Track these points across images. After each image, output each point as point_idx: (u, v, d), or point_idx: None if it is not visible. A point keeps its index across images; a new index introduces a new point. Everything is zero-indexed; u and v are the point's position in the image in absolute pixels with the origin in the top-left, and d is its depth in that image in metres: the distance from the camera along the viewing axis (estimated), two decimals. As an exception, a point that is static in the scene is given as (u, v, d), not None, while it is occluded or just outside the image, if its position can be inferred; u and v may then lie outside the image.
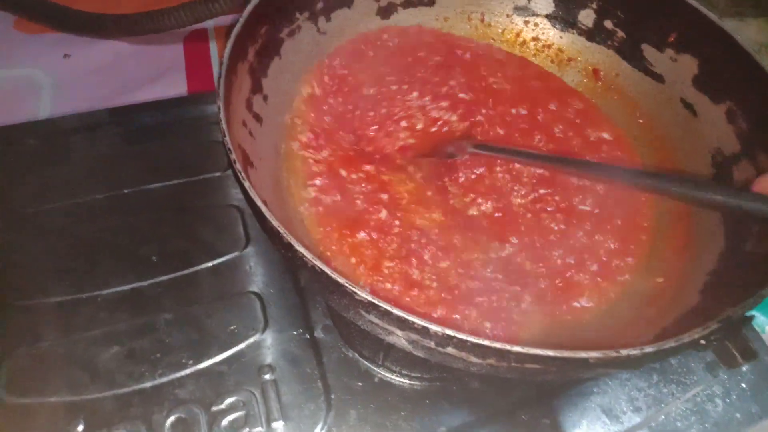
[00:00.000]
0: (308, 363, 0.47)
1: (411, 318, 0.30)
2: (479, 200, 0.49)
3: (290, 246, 0.32)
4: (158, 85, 0.72)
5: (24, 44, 0.75)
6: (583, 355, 0.30)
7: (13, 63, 0.73)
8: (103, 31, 0.72)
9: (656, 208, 0.51)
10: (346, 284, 0.31)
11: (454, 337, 0.30)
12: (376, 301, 0.31)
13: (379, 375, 0.48)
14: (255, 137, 0.46)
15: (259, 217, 0.34)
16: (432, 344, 0.32)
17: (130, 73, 0.73)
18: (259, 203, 0.34)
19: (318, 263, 0.32)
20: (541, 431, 0.45)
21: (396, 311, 0.30)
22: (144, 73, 0.74)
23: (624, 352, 0.30)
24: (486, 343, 0.30)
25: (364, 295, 0.31)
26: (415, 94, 0.54)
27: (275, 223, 0.33)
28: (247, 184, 0.35)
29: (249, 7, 0.45)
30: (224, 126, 0.37)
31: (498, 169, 0.50)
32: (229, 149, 0.36)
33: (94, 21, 0.72)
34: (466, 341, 0.30)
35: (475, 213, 0.48)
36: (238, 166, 0.35)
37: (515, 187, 0.50)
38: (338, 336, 0.49)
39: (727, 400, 0.49)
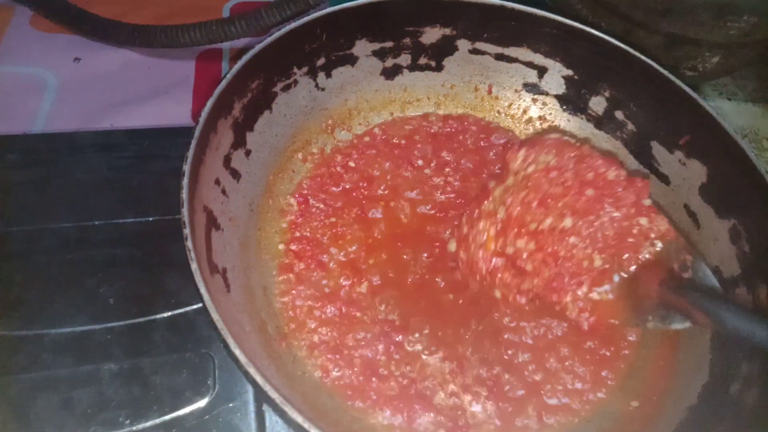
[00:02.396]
0: (252, 438, 0.45)
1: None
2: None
3: (228, 345, 0.30)
4: (164, 101, 0.71)
5: (37, 42, 0.75)
6: None
7: (23, 60, 0.73)
8: (118, 39, 0.71)
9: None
10: (278, 400, 0.29)
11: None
12: (306, 425, 0.28)
13: (326, 460, 0.45)
14: (228, 195, 0.44)
15: (203, 300, 0.32)
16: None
17: (137, 84, 0.72)
18: (203, 290, 0.31)
19: (252, 370, 0.29)
20: None
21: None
22: (151, 86, 0.73)
23: None
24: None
25: (295, 415, 0.28)
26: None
27: (215, 316, 0.31)
28: (194, 266, 0.32)
29: (241, 62, 0.43)
30: (185, 195, 0.35)
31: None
32: (184, 222, 0.34)
33: (110, 27, 0.71)
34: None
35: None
36: (189, 244, 0.33)
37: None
38: (288, 413, 0.46)
39: None
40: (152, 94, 0.72)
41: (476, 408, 0.41)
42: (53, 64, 0.72)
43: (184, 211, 0.34)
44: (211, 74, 0.76)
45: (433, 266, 0.48)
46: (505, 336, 0.44)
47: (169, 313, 0.49)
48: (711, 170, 0.49)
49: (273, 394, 0.28)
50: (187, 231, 0.34)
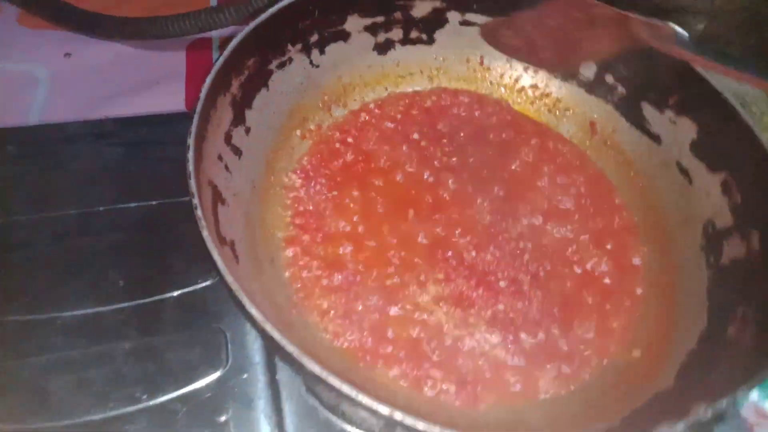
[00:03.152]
0: (266, 408, 0.45)
1: (359, 397, 0.29)
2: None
3: (241, 304, 0.31)
4: (156, 92, 0.71)
5: (26, 39, 0.74)
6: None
7: (13, 57, 0.73)
8: (106, 33, 0.71)
9: (648, 275, 0.49)
10: (294, 353, 0.29)
11: (402, 422, 0.28)
12: (323, 375, 0.29)
13: (339, 425, 0.46)
14: (231, 172, 0.45)
15: (217, 271, 0.33)
16: (382, 423, 0.30)
17: (129, 77, 0.72)
18: (216, 256, 0.32)
19: (268, 327, 0.30)
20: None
21: (345, 388, 0.29)
22: (143, 78, 0.73)
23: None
24: (436, 429, 0.28)
25: (312, 366, 0.29)
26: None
27: (229, 278, 0.32)
28: (205, 233, 0.33)
29: (236, 39, 0.44)
30: (191, 167, 0.36)
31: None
32: (192, 193, 0.35)
33: (98, 21, 0.71)
34: (415, 427, 0.28)
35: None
36: (199, 213, 0.34)
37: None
38: (300, 382, 0.47)
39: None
40: (144, 85, 0.72)
41: (486, 363, 0.42)
42: (43, 61, 0.72)
43: (191, 182, 0.35)
44: (202, 63, 0.77)
45: (436, 233, 0.49)
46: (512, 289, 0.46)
47: (178, 292, 0.50)
48: (700, 126, 0.51)
49: (290, 348, 0.29)
50: (195, 201, 0.34)
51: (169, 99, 0.70)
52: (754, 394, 0.54)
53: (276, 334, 0.30)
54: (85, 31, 0.73)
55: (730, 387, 0.34)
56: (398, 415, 0.28)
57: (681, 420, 0.32)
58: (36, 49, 0.73)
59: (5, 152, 0.56)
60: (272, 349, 0.31)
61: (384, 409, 0.28)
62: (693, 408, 0.33)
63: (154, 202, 0.55)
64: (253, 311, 0.30)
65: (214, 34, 0.79)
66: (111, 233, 0.53)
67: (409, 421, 0.28)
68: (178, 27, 0.66)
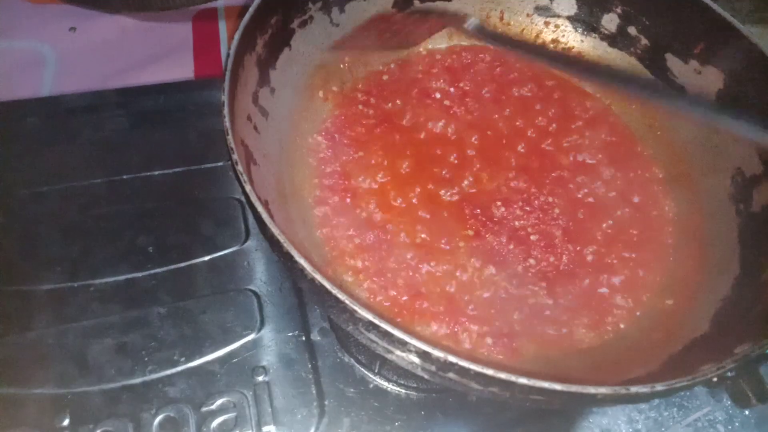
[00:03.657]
0: (303, 366, 0.46)
1: (413, 341, 0.29)
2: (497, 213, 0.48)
3: (289, 256, 0.31)
4: (165, 64, 0.71)
5: (29, 15, 0.73)
6: (591, 390, 0.28)
7: (17, 34, 0.72)
8: (111, 6, 0.70)
9: (676, 225, 0.49)
10: (347, 301, 0.30)
11: (457, 364, 0.28)
12: (376, 321, 0.29)
13: (375, 382, 0.46)
14: (260, 132, 0.44)
15: (259, 221, 0.33)
16: (433, 368, 0.30)
17: (136, 50, 0.72)
18: (260, 208, 0.32)
19: (318, 277, 0.30)
20: (538, 451, 0.44)
21: (398, 333, 0.29)
22: (151, 51, 0.72)
23: (633, 389, 0.29)
24: (490, 372, 0.28)
25: (365, 313, 0.29)
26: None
27: (275, 230, 0.32)
28: (248, 187, 0.33)
29: (259, -3, 0.43)
30: (227, 123, 0.35)
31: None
32: (231, 148, 0.34)
33: (102, -6, 0.70)
34: (469, 369, 0.28)
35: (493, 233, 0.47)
36: (240, 167, 0.34)
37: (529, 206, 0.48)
38: (335, 340, 0.47)
39: (730, 426, 0.48)
40: (153, 58, 0.72)
41: (521, 315, 0.43)
42: (49, 36, 0.71)
43: (229, 138, 0.35)
44: (209, 34, 0.76)
45: (463, 189, 0.49)
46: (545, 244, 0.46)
47: (209, 257, 0.50)
48: (727, 75, 0.50)
49: (341, 296, 0.29)
50: (235, 156, 0.34)
51: (178, 70, 0.70)
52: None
53: (326, 283, 0.30)
54: (90, 4, 0.72)
55: (769, 327, 0.34)
56: (452, 359, 0.28)
57: (726, 359, 0.32)
58: (41, 25, 0.73)
59: (26, 124, 0.56)
60: (320, 301, 0.32)
61: (438, 353, 0.29)
62: (736, 349, 0.34)
63: (178, 170, 0.55)
64: (302, 262, 0.30)
65: (219, 3, 0.78)
66: (137, 201, 0.53)
67: (464, 363, 0.28)
68: None
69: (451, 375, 0.30)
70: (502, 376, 0.28)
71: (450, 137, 0.52)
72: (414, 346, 0.29)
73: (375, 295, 0.43)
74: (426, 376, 0.32)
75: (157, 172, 0.54)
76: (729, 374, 0.32)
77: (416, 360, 0.30)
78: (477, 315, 0.43)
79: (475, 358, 0.37)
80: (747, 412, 0.48)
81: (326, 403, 0.45)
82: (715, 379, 0.32)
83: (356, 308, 0.29)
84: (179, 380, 0.44)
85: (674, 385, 0.30)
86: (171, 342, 0.46)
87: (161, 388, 0.44)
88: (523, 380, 0.28)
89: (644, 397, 0.30)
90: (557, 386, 0.28)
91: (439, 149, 0.51)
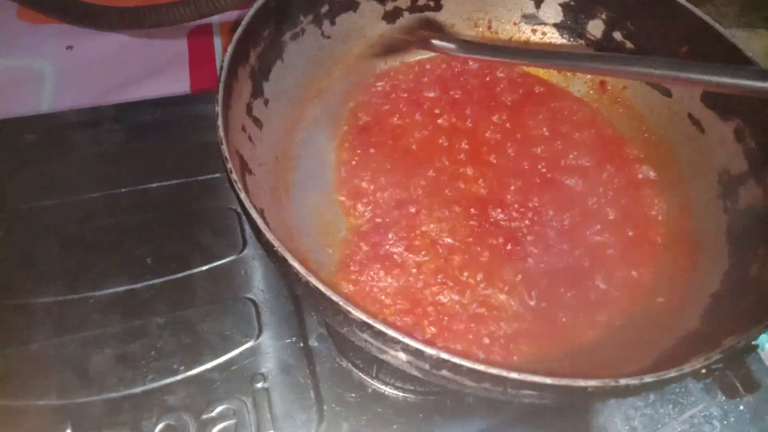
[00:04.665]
0: (301, 372, 0.47)
1: (406, 340, 0.29)
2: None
3: (284, 260, 0.32)
4: (161, 79, 0.72)
5: (27, 34, 0.75)
6: (581, 383, 0.29)
7: (15, 53, 0.73)
8: (106, 24, 0.71)
9: (666, 225, 0.50)
10: (340, 302, 0.30)
11: (449, 361, 0.29)
12: (370, 321, 0.30)
13: (373, 386, 0.47)
14: (254, 142, 0.45)
15: (254, 228, 0.34)
16: (426, 366, 0.31)
17: (133, 66, 0.73)
18: (255, 215, 0.33)
19: (312, 280, 0.31)
20: (535, 450, 0.45)
21: (390, 332, 0.30)
22: (147, 67, 0.73)
23: (623, 381, 0.30)
24: (482, 368, 0.29)
25: (358, 314, 0.30)
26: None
27: (269, 235, 0.32)
28: (242, 195, 0.34)
29: (252, 10, 0.44)
30: (221, 133, 0.36)
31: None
32: (226, 158, 0.35)
33: (97, 13, 0.71)
34: (462, 366, 0.29)
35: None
36: (234, 176, 0.34)
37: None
38: (332, 345, 0.48)
39: (725, 422, 0.48)
40: (149, 74, 0.73)
41: (515, 316, 0.43)
42: (47, 55, 0.73)
43: (224, 147, 0.36)
44: (204, 49, 0.77)
45: (456, 194, 0.50)
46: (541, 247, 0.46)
47: (206, 267, 0.51)
48: (711, 76, 0.51)
49: (335, 298, 0.30)
50: (229, 165, 0.35)
51: (174, 85, 0.71)
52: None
53: (320, 286, 0.31)
54: (86, 23, 0.73)
55: (757, 319, 0.35)
56: (445, 356, 0.29)
57: (714, 350, 0.33)
58: (38, 44, 0.74)
59: (24, 140, 0.57)
60: (316, 304, 0.32)
61: (431, 351, 0.29)
62: (724, 341, 0.34)
63: (175, 182, 0.56)
64: (296, 265, 0.31)
65: (215, 19, 0.79)
66: (135, 213, 0.54)
67: (456, 360, 0.29)
68: (179, 14, 0.66)
69: (444, 372, 0.31)
70: (494, 371, 0.29)
71: (441, 144, 0.53)
72: (407, 345, 0.30)
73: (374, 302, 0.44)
74: (420, 375, 0.33)
75: (154, 185, 0.55)
76: (717, 366, 0.33)
77: (410, 359, 0.31)
78: (471, 317, 0.43)
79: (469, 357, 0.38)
80: (741, 407, 0.49)
81: (325, 408, 0.45)
82: (703, 371, 0.32)
83: (350, 309, 0.30)
84: (179, 388, 0.45)
85: (663, 377, 0.30)
86: (170, 351, 0.46)
87: (161, 396, 0.44)
88: (514, 375, 0.29)
89: (634, 390, 0.31)
90: (548, 380, 0.29)
91: (431, 155, 0.52)
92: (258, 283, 0.51)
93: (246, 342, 0.47)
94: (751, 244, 0.44)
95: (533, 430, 0.46)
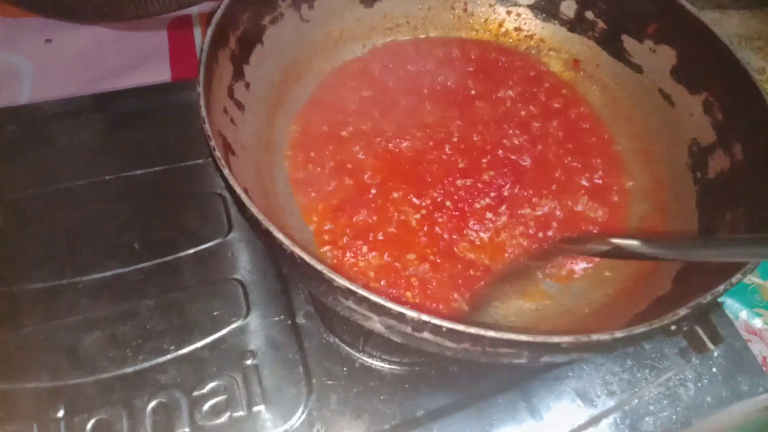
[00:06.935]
0: (290, 348, 0.48)
1: (387, 304, 0.31)
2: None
3: (269, 232, 0.33)
4: (142, 71, 0.72)
5: (4, 29, 0.74)
6: (555, 339, 0.31)
7: (-7, 48, 0.73)
8: (85, 17, 0.71)
9: (639, 196, 0.52)
10: (324, 270, 0.31)
11: (429, 322, 0.30)
12: (353, 288, 0.31)
13: (360, 360, 0.48)
14: (237, 125, 0.46)
15: (239, 203, 0.35)
16: (408, 329, 0.32)
17: (113, 59, 0.73)
18: (239, 190, 0.34)
19: (296, 250, 0.32)
20: (517, 414, 0.46)
21: (373, 297, 0.31)
22: (127, 59, 0.73)
23: (595, 337, 0.31)
24: (461, 328, 0.30)
25: (342, 281, 0.31)
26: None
27: (253, 209, 0.33)
28: (226, 171, 0.35)
29: (230, -6, 0.45)
30: (204, 113, 0.37)
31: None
32: (209, 135, 0.36)
33: (76, 6, 0.71)
34: (441, 326, 0.31)
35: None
36: (218, 153, 0.35)
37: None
38: (320, 322, 0.49)
39: (699, 384, 0.50)
40: (130, 66, 0.73)
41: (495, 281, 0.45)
42: (25, 49, 0.72)
43: (206, 126, 0.37)
44: (184, 41, 0.77)
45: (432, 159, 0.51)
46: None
47: (194, 250, 0.52)
48: (679, 52, 0.53)
49: (319, 267, 0.31)
50: (212, 143, 0.36)
51: (155, 78, 0.71)
52: (743, 313, 0.58)
53: (304, 255, 0.32)
54: (64, 16, 0.72)
55: (724, 277, 0.36)
56: (425, 317, 0.30)
57: (681, 307, 0.35)
58: (16, 38, 0.73)
59: (6, 132, 0.57)
60: (301, 275, 0.33)
61: (412, 314, 0.31)
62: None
63: (159, 168, 0.56)
64: (281, 236, 0.32)
65: (194, 10, 0.79)
66: (121, 200, 0.54)
67: (436, 321, 0.30)
68: (158, 5, 0.65)
69: (426, 335, 0.32)
70: (472, 330, 0.30)
71: (427, 121, 0.54)
72: (390, 309, 0.31)
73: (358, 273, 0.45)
74: (402, 340, 0.34)
75: (139, 172, 0.56)
76: (685, 323, 0.35)
77: (393, 323, 0.32)
78: (455, 285, 0.45)
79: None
80: (714, 369, 0.51)
81: (314, 381, 0.46)
82: (673, 327, 0.34)
83: (333, 276, 0.31)
84: (170, 367, 0.46)
85: (633, 332, 0.32)
86: (160, 332, 0.47)
87: (153, 375, 0.45)
88: (491, 333, 0.30)
89: (606, 345, 0.32)
90: (524, 337, 0.30)
91: (404, 128, 0.53)
92: (245, 264, 0.52)
93: (235, 321, 0.48)
94: (720, 210, 0.46)
95: (517, 396, 0.48)
